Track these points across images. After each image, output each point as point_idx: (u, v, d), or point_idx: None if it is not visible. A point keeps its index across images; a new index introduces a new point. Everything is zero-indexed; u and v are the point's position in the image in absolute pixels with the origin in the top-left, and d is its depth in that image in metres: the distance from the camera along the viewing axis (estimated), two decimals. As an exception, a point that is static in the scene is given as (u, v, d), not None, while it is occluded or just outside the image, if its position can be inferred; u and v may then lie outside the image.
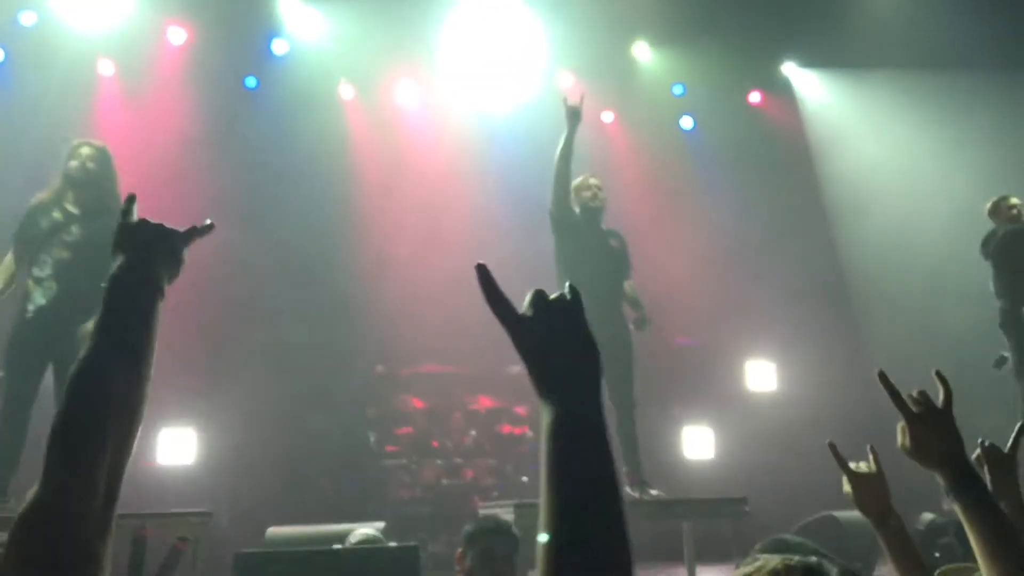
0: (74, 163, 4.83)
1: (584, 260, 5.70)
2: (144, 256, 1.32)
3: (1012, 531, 1.55)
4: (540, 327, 1.05)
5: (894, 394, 1.70)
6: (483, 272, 1.07)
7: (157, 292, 1.31)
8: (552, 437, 0.99)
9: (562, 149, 5.65)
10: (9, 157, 7.15)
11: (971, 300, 6.78)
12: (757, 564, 1.23)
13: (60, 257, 4.70)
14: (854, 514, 5.76)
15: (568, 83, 9.12)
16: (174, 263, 1.36)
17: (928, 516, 5.68)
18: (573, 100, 5.70)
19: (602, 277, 5.72)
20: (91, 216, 4.76)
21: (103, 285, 1.33)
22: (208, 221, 1.46)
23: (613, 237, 5.98)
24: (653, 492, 5.50)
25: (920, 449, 1.67)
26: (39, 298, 4.68)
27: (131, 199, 1.41)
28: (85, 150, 4.88)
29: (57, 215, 4.79)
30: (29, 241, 4.79)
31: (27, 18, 7.85)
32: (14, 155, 7.14)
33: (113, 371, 1.20)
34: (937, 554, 4.93)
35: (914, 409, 1.70)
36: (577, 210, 5.89)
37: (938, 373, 1.73)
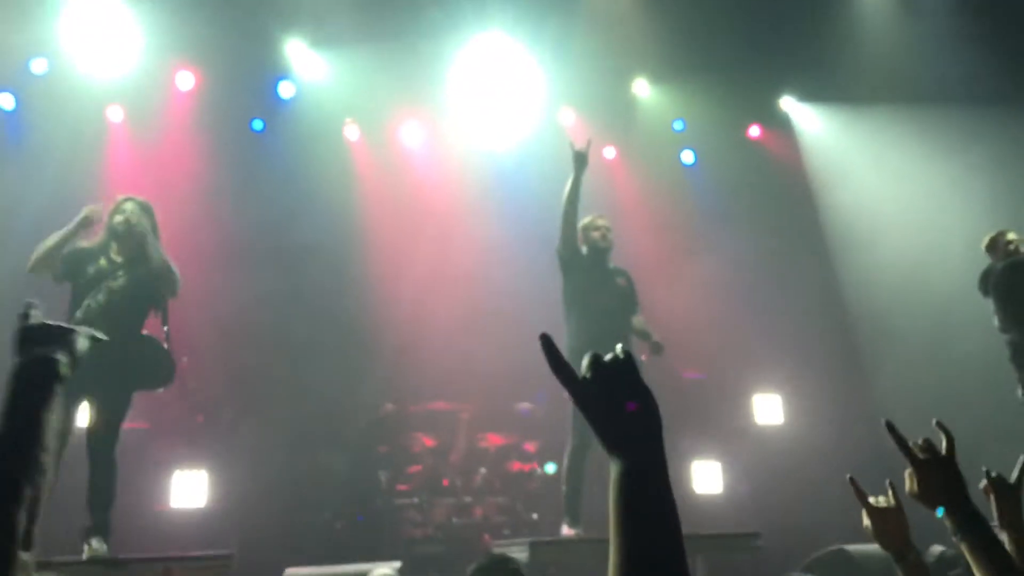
0: (119, 218, 5.16)
1: (592, 299, 5.78)
2: (45, 352, 1.50)
3: (1013, 567, 1.69)
4: (600, 390, 1.13)
5: (901, 442, 1.82)
6: (547, 342, 1.16)
7: (56, 379, 1.49)
8: (619, 489, 1.08)
9: (569, 192, 5.76)
10: (20, 203, 7.25)
11: (977, 332, 6.80)
12: None
13: (108, 301, 5.01)
14: (865, 547, 5.76)
15: (570, 120, 9.26)
16: (70, 355, 1.53)
17: (938, 548, 5.67)
18: (580, 145, 5.81)
19: (610, 315, 5.79)
20: (135, 266, 5.12)
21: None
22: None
23: (620, 275, 6.06)
24: None
25: (927, 493, 1.80)
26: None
27: (28, 305, 1.59)
28: (129, 205, 5.22)
29: (103, 263, 5.13)
30: (73, 279, 5.08)
31: (38, 66, 7.99)
32: (25, 201, 7.25)
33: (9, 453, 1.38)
34: (949, 586, 4.93)
35: (920, 456, 1.82)
36: (585, 250, 5.97)
37: (939, 423, 1.86)
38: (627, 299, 6.00)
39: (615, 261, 6.13)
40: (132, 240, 5.12)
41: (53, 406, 1.46)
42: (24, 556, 1.34)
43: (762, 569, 5.46)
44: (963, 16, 8.43)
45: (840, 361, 9.00)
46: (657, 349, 5.79)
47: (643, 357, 5.79)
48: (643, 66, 9.28)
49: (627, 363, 1.17)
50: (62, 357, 1.51)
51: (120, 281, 5.07)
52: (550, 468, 5.17)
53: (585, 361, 1.17)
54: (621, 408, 1.12)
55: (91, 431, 4.92)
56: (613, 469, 1.10)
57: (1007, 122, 8.44)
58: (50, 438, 1.43)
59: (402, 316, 8.28)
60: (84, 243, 5.19)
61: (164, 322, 5.14)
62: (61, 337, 1.55)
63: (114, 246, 5.17)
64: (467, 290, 8.41)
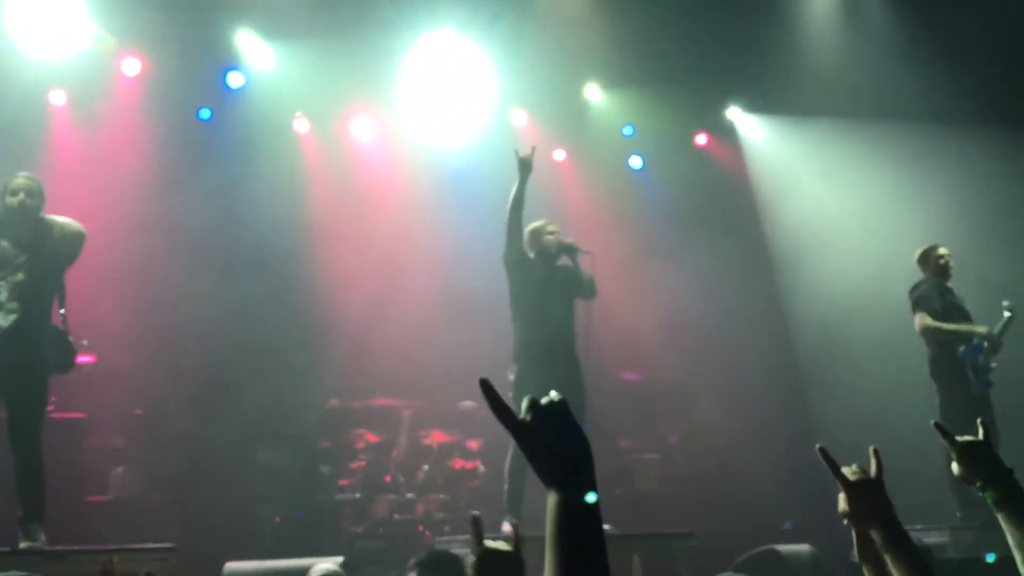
0: (12, 200, 5.05)
1: (538, 303, 5.88)
2: None
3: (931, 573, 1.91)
4: (539, 432, 1.26)
5: (833, 467, 2.03)
6: (487, 387, 1.26)
7: None
8: (555, 518, 1.24)
9: (514, 199, 5.87)
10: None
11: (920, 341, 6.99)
12: None
13: (15, 280, 4.93)
14: (795, 548, 5.92)
15: (522, 121, 9.33)
16: None
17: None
18: (524, 152, 5.89)
19: (555, 318, 5.89)
20: (34, 249, 5.00)
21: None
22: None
23: (564, 271, 6.11)
24: (604, 527, 5.60)
25: (857, 512, 2.00)
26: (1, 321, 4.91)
27: None
28: (20, 181, 5.11)
29: (5, 244, 5.01)
30: None
31: (-23, 47, 7.77)
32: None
33: None
34: None
35: (851, 478, 2.02)
36: (532, 255, 6.06)
37: (874, 450, 2.07)
38: (573, 291, 6.04)
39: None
40: (27, 224, 5.03)
41: None
42: None
43: (698, 569, 5.60)
44: (908, 33, 8.70)
45: (784, 368, 9.22)
46: (572, 251, 5.93)
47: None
48: (595, 71, 9.39)
49: (561, 407, 1.28)
50: None
51: (21, 272, 4.96)
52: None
53: (524, 404, 1.28)
54: (557, 448, 1.26)
55: (10, 420, 4.87)
56: (550, 499, 1.25)
57: (952, 139, 8.70)
58: None
59: (350, 312, 8.27)
60: None
61: (62, 305, 5.07)
62: None
63: (11, 229, 5.04)
64: (416, 288, 8.43)
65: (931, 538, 5.79)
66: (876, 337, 8.30)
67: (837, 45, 9.09)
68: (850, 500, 2.01)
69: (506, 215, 5.93)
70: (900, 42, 8.72)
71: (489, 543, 2.03)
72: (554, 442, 1.26)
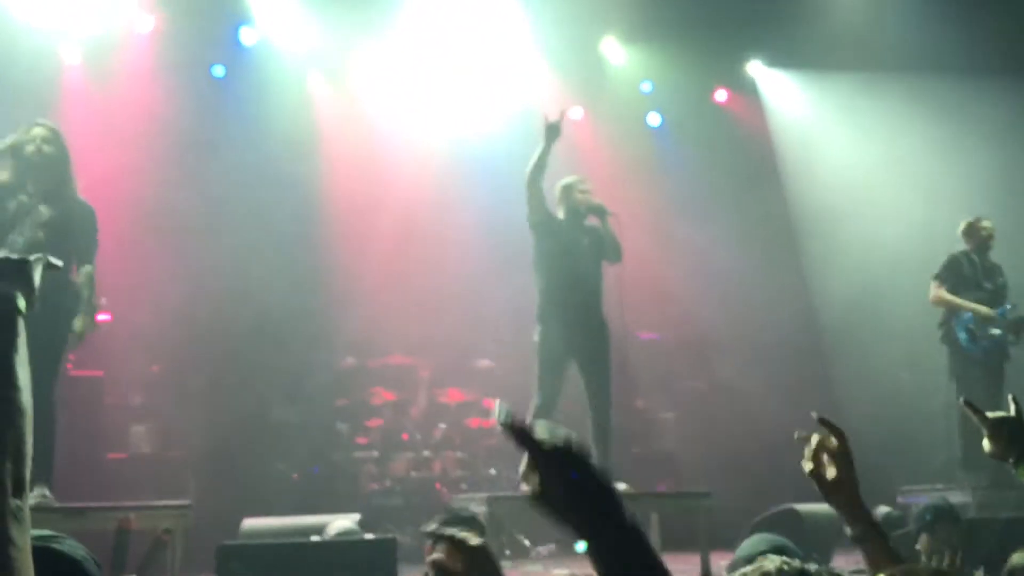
0: (30, 147, 4.87)
1: (564, 261, 5.80)
2: (2, 289, 1.44)
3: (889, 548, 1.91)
4: (555, 488, 1.10)
5: (977, 413, 2.15)
6: (517, 430, 1.11)
7: (17, 314, 1.43)
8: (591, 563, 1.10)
9: (537, 161, 5.76)
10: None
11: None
12: (755, 567, 1.31)
13: (34, 237, 4.74)
14: (815, 506, 5.90)
15: (539, 78, 9.19)
16: (28, 288, 1.47)
17: (884, 509, 5.84)
18: (552, 117, 5.76)
19: (582, 279, 5.82)
20: (54, 198, 4.85)
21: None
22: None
23: (592, 232, 5.99)
24: (620, 487, 5.60)
25: (1000, 447, 2.13)
26: None
27: None
28: (39, 131, 4.92)
29: (23, 197, 4.86)
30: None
31: (-10, 3, 7.71)
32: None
33: None
34: (892, 546, 5.07)
35: (991, 417, 2.14)
36: (561, 212, 5.97)
37: (1012, 397, 2.16)
38: (599, 253, 5.95)
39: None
40: (48, 171, 4.84)
41: (19, 344, 1.39)
42: (16, 502, 1.28)
43: (715, 528, 5.58)
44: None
45: (799, 323, 9.13)
46: (601, 212, 5.84)
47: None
48: (613, 26, 9.21)
49: (561, 453, 1.11)
50: (20, 290, 1.44)
51: (44, 216, 4.78)
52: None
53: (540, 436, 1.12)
54: (577, 500, 1.10)
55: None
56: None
57: (991, 90, 8.47)
58: (22, 377, 1.36)
59: (366, 269, 8.23)
60: (2, 176, 4.90)
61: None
62: (15, 270, 1.46)
63: (31, 177, 4.85)
64: (433, 244, 8.38)
65: (955, 498, 5.75)
66: (906, 299, 8.16)
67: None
68: (992, 436, 2.10)
69: (526, 177, 5.79)
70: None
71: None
72: (572, 495, 1.09)
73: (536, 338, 5.84)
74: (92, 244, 4.95)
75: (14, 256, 1.50)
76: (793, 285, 9.26)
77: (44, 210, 4.80)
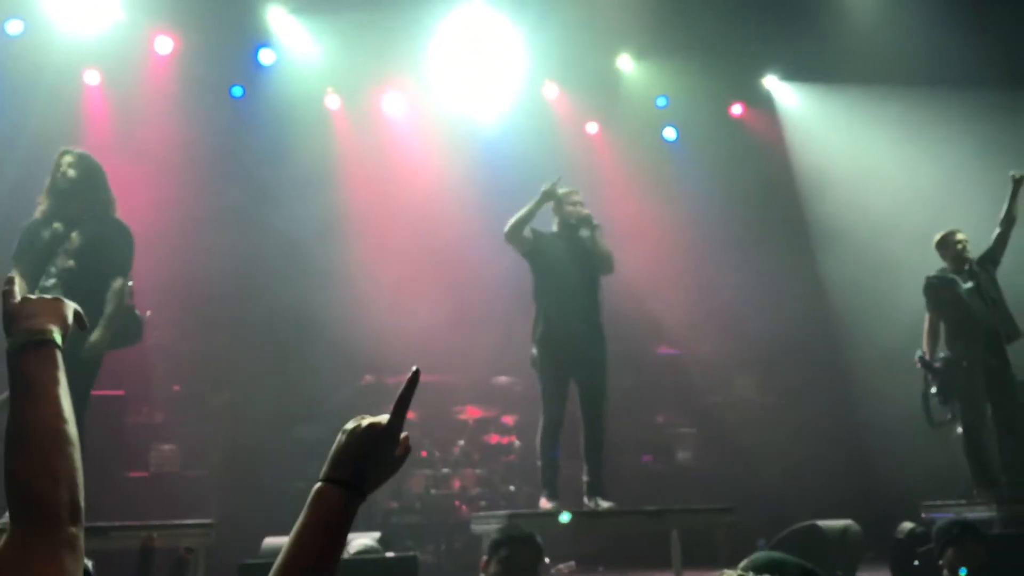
0: (58, 175, 4.96)
1: (558, 281, 5.80)
2: (38, 325, 1.48)
3: None
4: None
5: None
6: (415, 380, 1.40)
7: (56, 349, 1.48)
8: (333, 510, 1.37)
9: (522, 217, 5.81)
10: (-4, 165, 7.15)
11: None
12: None
13: (64, 266, 4.81)
14: (836, 523, 5.84)
15: (553, 94, 9.23)
16: (63, 324, 1.53)
17: (908, 525, 5.78)
18: (548, 184, 5.84)
19: (576, 295, 5.80)
20: (86, 223, 4.91)
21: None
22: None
23: (584, 243, 5.96)
24: (604, 504, 5.58)
25: None
26: None
27: (9, 281, 1.57)
28: (66, 158, 4.99)
29: (57, 226, 4.92)
30: (34, 255, 4.89)
31: (13, 27, 7.84)
32: (1, 164, 7.14)
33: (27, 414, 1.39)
34: (916, 562, 5.02)
35: None
36: (555, 226, 5.96)
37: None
38: (592, 262, 5.91)
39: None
40: (76, 196, 4.90)
41: (60, 377, 1.44)
42: (72, 530, 1.31)
43: (736, 543, 5.54)
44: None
45: (818, 337, 9.08)
46: (589, 224, 5.87)
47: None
48: (627, 41, 9.24)
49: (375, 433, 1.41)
50: (54, 326, 1.49)
51: (76, 243, 4.84)
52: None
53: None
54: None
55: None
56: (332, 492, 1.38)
57: (996, 107, 8.42)
58: (67, 408, 1.41)
59: (383, 286, 8.26)
60: (34, 215, 4.97)
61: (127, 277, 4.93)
62: (50, 308, 1.52)
63: (60, 206, 4.92)
64: (449, 260, 8.40)
65: (978, 513, 5.68)
66: (916, 312, 8.12)
67: (876, 9, 8.81)
68: None
69: (507, 229, 5.82)
70: (941, 7, 8.39)
71: None
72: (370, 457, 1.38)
73: (534, 351, 5.83)
74: (125, 262, 4.99)
75: (48, 296, 1.57)
76: (811, 298, 9.22)
77: (75, 237, 4.87)
